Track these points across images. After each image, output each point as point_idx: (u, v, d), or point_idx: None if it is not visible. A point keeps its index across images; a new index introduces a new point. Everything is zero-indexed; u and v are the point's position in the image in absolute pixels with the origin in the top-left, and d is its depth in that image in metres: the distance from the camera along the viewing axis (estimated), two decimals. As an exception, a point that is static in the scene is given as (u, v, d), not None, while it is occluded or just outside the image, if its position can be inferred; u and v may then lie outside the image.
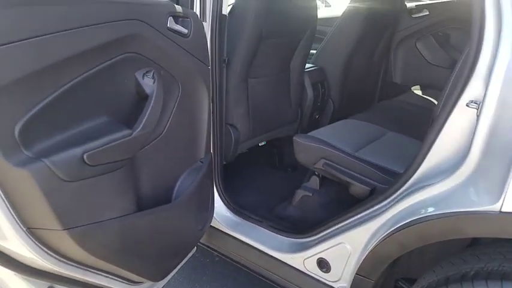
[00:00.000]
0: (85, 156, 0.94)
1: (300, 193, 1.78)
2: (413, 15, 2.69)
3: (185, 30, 1.22)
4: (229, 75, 1.74)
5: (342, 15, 2.30)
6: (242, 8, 1.70)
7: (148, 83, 1.10)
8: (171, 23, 1.16)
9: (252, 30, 1.70)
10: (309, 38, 2.01)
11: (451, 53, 2.61)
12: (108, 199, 1.06)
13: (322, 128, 1.80)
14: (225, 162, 1.78)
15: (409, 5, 2.73)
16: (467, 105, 1.03)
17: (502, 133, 0.93)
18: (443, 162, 1.15)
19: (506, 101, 0.93)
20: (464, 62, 1.08)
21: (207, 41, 1.45)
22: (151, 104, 1.09)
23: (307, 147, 1.61)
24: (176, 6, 1.23)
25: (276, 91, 2.01)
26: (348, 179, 1.51)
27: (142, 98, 1.11)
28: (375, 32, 2.42)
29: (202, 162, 1.42)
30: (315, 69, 2.30)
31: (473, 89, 1.03)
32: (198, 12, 1.43)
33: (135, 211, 1.15)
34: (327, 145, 1.58)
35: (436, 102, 2.28)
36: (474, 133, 0.99)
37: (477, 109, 1.00)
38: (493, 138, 0.96)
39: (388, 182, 1.41)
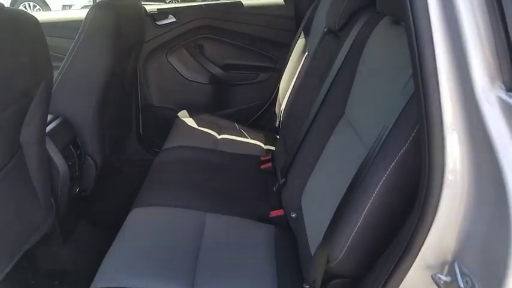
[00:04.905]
0: None
1: None
2: (157, 23, 2.19)
3: None
4: None
5: (80, 35, 1.53)
6: None
7: None
8: None
9: None
10: (45, 91, 1.19)
11: (207, 66, 2.30)
12: None
13: (116, 249, 1.10)
14: None
15: (148, 8, 2.19)
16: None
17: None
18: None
19: None
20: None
21: None
22: None
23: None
24: None
25: (12, 197, 1.13)
26: None
27: None
28: (124, 50, 1.80)
29: None
30: (56, 125, 1.48)
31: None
32: None
33: None
34: None
35: (216, 136, 1.91)
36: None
37: None
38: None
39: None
